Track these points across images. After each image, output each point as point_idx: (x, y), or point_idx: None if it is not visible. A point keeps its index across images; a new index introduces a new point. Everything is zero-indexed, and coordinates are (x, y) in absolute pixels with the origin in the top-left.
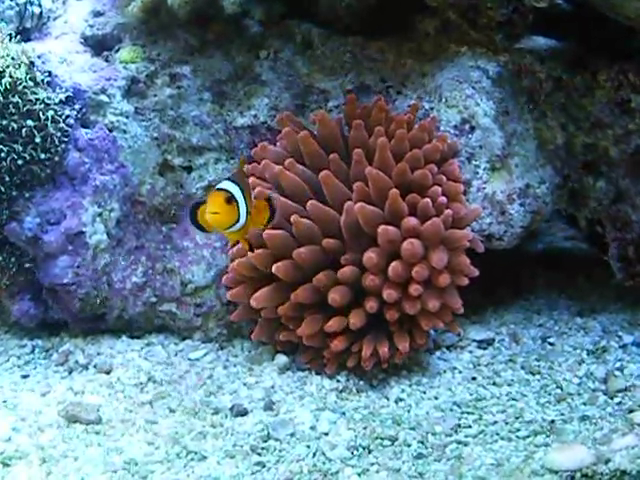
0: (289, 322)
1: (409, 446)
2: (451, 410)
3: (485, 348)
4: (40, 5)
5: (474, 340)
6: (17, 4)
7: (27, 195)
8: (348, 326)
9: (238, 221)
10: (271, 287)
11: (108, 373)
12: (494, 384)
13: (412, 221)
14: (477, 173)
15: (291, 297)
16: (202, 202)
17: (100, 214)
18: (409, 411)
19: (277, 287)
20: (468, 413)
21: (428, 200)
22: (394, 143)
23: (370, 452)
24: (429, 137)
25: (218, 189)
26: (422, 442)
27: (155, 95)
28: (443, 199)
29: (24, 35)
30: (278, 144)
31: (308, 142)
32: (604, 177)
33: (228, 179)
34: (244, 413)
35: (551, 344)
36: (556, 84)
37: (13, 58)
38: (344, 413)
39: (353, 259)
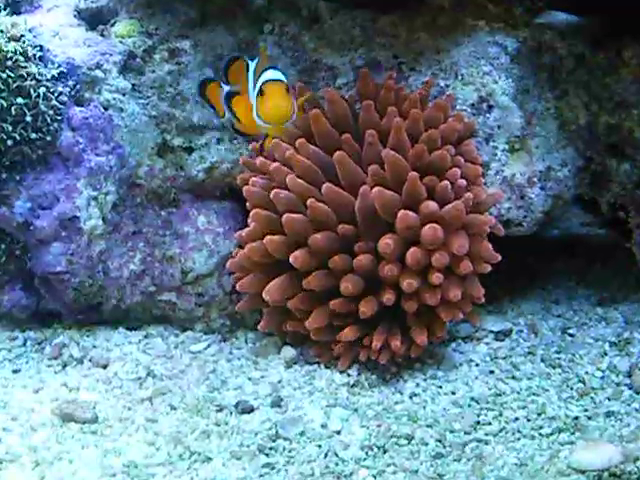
0: (299, 314)
1: (426, 445)
2: (469, 406)
3: (502, 340)
4: None
5: (491, 331)
6: None
7: (17, 178)
8: (359, 317)
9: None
10: (283, 278)
11: (104, 367)
12: (513, 378)
13: (432, 206)
14: (495, 155)
15: (303, 284)
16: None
17: (95, 198)
18: (425, 407)
19: (289, 278)
20: (487, 409)
21: (447, 183)
22: (409, 123)
23: (385, 452)
24: (445, 116)
25: (274, 80)
26: (440, 440)
27: (153, 71)
28: (462, 182)
29: (13, 7)
30: None
31: (320, 121)
32: (628, 159)
33: (271, 67)
34: (250, 410)
35: (571, 335)
36: (578, 61)
37: (2, 31)
38: (356, 410)
39: (367, 247)
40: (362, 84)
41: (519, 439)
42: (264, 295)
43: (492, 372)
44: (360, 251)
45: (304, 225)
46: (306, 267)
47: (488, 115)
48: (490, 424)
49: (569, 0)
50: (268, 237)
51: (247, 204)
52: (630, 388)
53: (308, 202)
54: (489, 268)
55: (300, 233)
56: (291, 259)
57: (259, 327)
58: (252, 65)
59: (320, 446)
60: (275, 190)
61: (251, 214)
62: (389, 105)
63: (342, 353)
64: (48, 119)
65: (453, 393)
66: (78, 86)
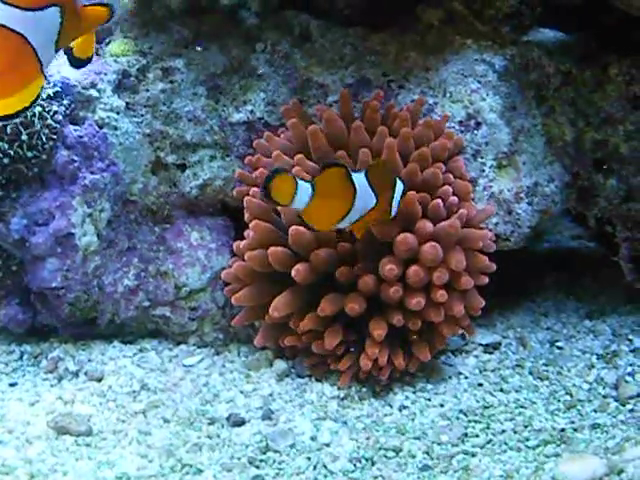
0: (311, 336)
1: (414, 457)
2: (457, 418)
3: (491, 352)
4: None
5: (480, 344)
6: None
7: (13, 195)
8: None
9: None
10: (288, 293)
11: (99, 381)
12: (501, 390)
13: (428, 227)
14: (483, 171)
15: (318, 311)
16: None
17: (90, 214)
18: (413, 420)
19: (294, 292)
20: (475, 421)
21: (439, 201)
22: (399, 142)
23: (373, 464)
24: (435, 134)
25: None
26: (427, 453)
27: (147, 90)
28: (454, 199)
29: None
30: (282, 136)
31: (317, 137)
32: (615, 175)
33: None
34: (241, 423)
35: (559, 348)
36: (565, 78)
37: None
38: (346, 422)
39: (367, 267)
40: (344, 106)
41: (505, 451)
42: (273, 312)
43: (481, 385)
44: (361, 272)
45: (309, 239)
46: (306, 282)
47: (476, 132)
48: (477, 436)
49: (556, 18)
50: (272, 248)
51: (245, 215)
52: (616, 400)
53: None
54: (486, 280)
55: (304, 247)
56: (293, 273)
57: (255, 343)
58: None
59: (309, 458)
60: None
61: (251, 225)
62: (375, 125)
63: (343, 370)
64: (43, 138)
65: (442, 405)
66: (73, 105)
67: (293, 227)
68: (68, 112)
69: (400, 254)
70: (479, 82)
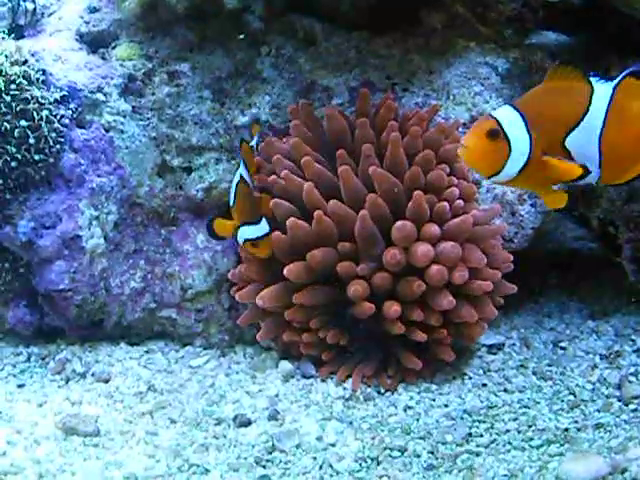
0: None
1: (419, 457)
2: (462, 418)
3: (495, 353)
4: (34, 1)
5: (484, 345)
6: (10, 0)
7: (21, 198)
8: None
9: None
10: (278, 286)
11: (106, 382)
12: (505, 391)
13: (435, 230)
14: None
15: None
16: None
17: (97, 217)
18: (418, 420)
19: (285, 287)
20: (479, 421)
21: (446, 204)
22: (407, 140)
23: (379, 463)
24: (447, 139)
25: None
26: (432, 452)
27: (153, 93)
28: (460, 202)
29: (17, 32)
30: (285, 141)
31: (299, 149)
32: None
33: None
34: (248, 423)
35: (563, 348)
36: None
37: (6, 56)
38: (351, 422)
39: (370, 268)
40: (361, 104)
41: (509, 451)
42: (258, 301)
43: (485, 385)
44: (368, 271)
45: (308, 234)
46: (299, 280)
47: None
48: (482, 436)
49: (558, 20)
50: (276, 233)
51: None
52: (619, 400)
53: (315, 214)
54: (512, 266)
55: (303, 241)
56: (285, 272)
57: (257, 338)
58: None
59: (315, 458)
60: (275, 200)
61: None
62: (387, 124)
63: (353, 374)
64: (51, 141)
65: (446, 406)
66: (80, 109)
67: (291, 219)
68: (75, 116)
69: (397, 241)
70: (482, 85)
